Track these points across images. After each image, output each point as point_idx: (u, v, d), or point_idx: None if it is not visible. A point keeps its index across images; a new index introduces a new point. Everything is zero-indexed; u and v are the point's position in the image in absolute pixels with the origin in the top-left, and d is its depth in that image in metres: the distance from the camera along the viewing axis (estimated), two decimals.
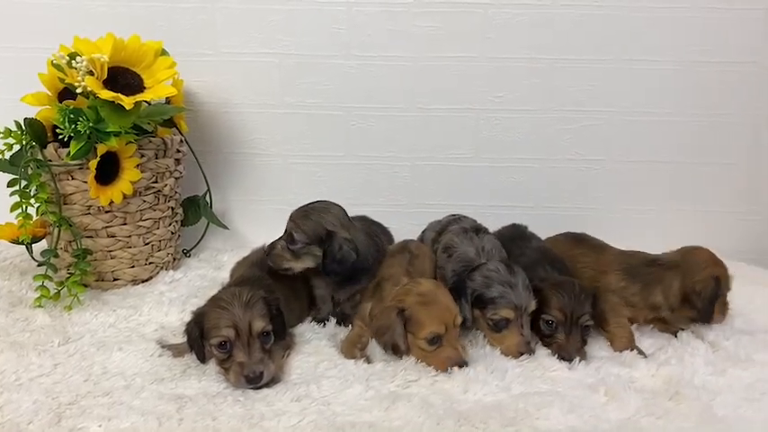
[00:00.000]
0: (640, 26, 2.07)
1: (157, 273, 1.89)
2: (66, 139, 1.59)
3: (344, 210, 1.66)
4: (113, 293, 1.74)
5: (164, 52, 1.75)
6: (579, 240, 1.82)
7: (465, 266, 1.59)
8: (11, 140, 1.66)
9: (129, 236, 1.79)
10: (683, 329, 1.55)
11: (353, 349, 1.43)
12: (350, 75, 2.14)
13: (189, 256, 2.08)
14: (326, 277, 1.63)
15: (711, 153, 2.19)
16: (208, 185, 2.07)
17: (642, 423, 1.19)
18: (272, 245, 1.62)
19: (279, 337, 1.38)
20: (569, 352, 1.42)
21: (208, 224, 2.10)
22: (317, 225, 1.58)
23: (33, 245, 1.76)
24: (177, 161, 1.91)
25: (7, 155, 1.69)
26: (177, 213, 1.98)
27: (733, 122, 2.16)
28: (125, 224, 1.77)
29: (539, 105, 2.15)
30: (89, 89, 1.53)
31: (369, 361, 1.40)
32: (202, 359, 1.36)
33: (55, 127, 1.62)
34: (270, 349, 1.33)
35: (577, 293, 1.47)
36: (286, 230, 1.62)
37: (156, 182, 1.82)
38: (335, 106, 2.17)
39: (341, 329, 1.58)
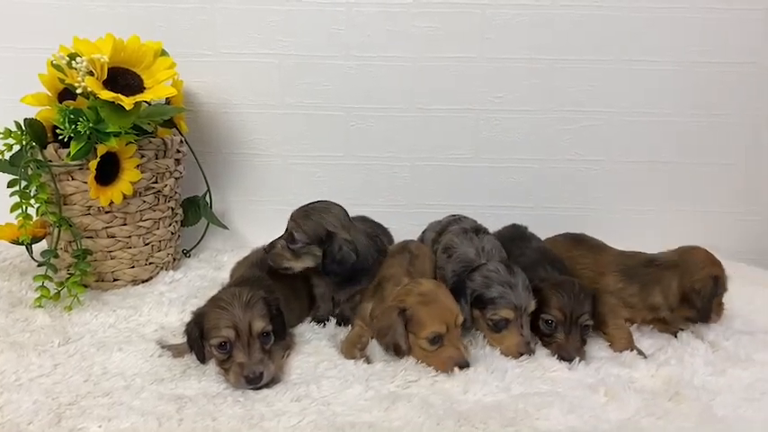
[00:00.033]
0: (640, 26, 2.07)
1: (157, 273, 1.89)
2: (66, 140, 1.59)
3: (345, 210, 1.66)
4: (113, 294, 1.74)
5: (163, 53, 1.75)
6: (578, 241, 1.82)
7: (465, 267, 1.59)
8: (11, 141, 1.66)
9: (129, 236, 1.79)
10: (682, 330, 1.56)
11: (353, 349, 1.43)
12: (349, 75, 2.14)
13: (189, 257, 2.08)
14: (326, 277, 1.63)
15: (711, 153, 2.19)
16: (208, 186, 2.07)
17: (642, 423, 1.19)
18: (273, 244, 1.63)
19: (279, 338, 1.38)
20: (569, 351, 1.42)
21: (208, 224, 2.10)
22: (317, 225, 1.58)
23: (33, 245, 1.76)
24: (177, 161, 1.92)
25: (7, 155, 1.69)
26: (177, 214, 1.98)
27: (732, 123, 2.16)
28: (125, 224, 1.77)
29: (538, 106, 2.15)
30: (89, 90, 1.53)
31: (369, 361, 1.40)
32: (202, 359, 1.36)
33: (55, 127, 1.62)
34: (270, 349, 1.33)
35: (577, 293, 1.47)
36: (287, 229, 1.62)
37: (155, 182, 1.82)
38: (335, 106, 2.17)
39: (341, 330, 1.58)
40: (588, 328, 1.48)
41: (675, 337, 1.53)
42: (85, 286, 1.66)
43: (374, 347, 1.46)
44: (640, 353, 1.46)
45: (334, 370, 1.35)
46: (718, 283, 1.53)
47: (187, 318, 1.42)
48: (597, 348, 1.49)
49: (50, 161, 1.64)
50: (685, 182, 2.22)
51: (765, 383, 1.32)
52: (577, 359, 1.40)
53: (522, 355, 1.41)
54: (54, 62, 1.61)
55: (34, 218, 1.69)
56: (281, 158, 2.23)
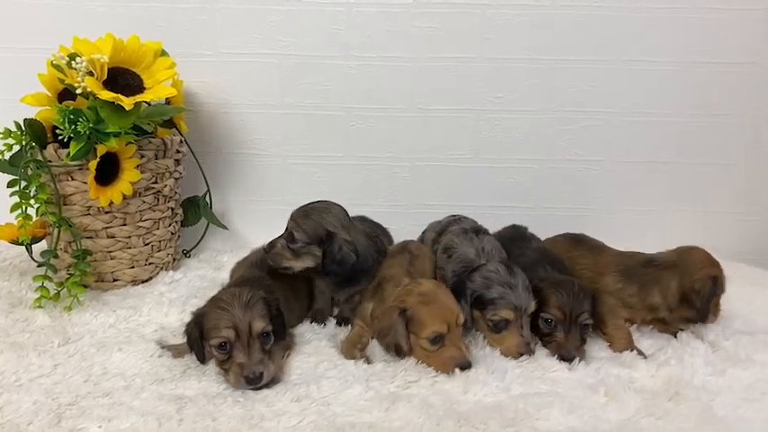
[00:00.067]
0: (640, 27, 2.07)
1: (157, 273, 1.88)
2: (65, 140, 1.59)
3: (345, 210, 1.66)
4: (113, 294, 1.74)
5: (163, 53, 1.75)
6: (578, 241, 1.82)
7: (465, 267, 1.59)
8: (11, 141, 1.66)
9: (129, 236, 1.79)
10: (682, 330, 1.56)
11: (353, 350, 1.43)
12: (349, 75, 2.14)
13: (189, 257, 2.08)
14: (326, 278, 1.63)
15: (711, 153, 2.19)
16: (207, 186, 2.07)
17: (642, 423, 1.19)
18: (273, 243, 1.63)
19: (279, 338, 1.38)
20: (568, 350, 1.42)
21: (207, 225, 2.10)
22: (317, 225, 1.58)
23: (33, 245, 1.76)
24: (177, 162, 1.91)
25: (7, 155, 1.68)
26: (177, 214, 1.98)
27: (732, 123, 2.16)
28: (125, 225, 1.77)
29: (538, 106, 2.15)
30: (89, 90, 1.53)
31: (369, 361, 1.40)
32: (202, 360, 1.36)
33: (55, 128, 1.62)
34: (270, 350, 1.33)
35: (576, 292, 1.47)
36: (287, 229, 1.62)
37: (155, 182, 1.82)
38: (335, 107, 2.17)
39: (341, 330, 1.58)
40: (588, 327, 1.48)
41: (675, 337, 1.53)
42: (85, 286, 1.66)
43: (374, 348, 1.46)
44: (640, 353, 1.46)
45: (335, 370, 1.35)
46: (716, 283, 1.54)
47: (187, 318, 1.42)
48: (597, 348, 1.49)
49: (50, 161, 1.64)
50: (685, 182, 2.22)
51: (765, 383, 1.32)
52: (577, 359, 1.40)
53: (522, 355, 1.41)
54: (54, 62, 1.61)
55: (34, 218, 1.69)
56: (281, 158, 2.23)
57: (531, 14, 2.07)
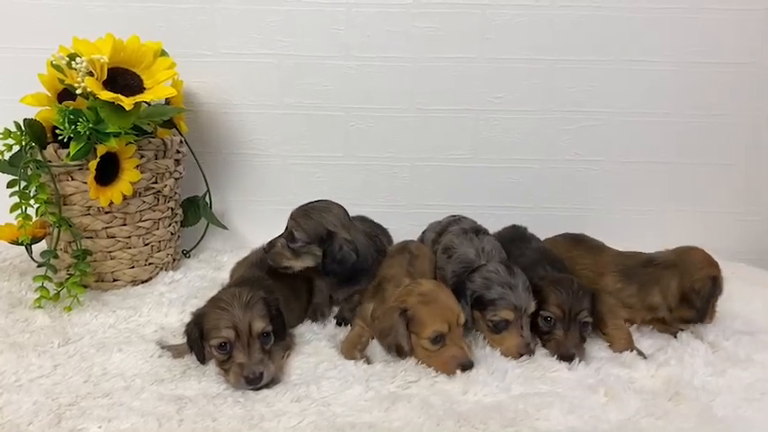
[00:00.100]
0: (639, 27, 2.07)
1: (157, 273, 1.88)
2: (65, 140, 1.59)
3: (345, 209, 1.66)
4: (113, 294, 1.74)
5: (163, 53, 1.75)
6: (577, 242, 1.82)
7: (465, 268, 1.59)
8: (10, 141, 1.66)
9: (129, 236, 1.78)
10: (682, 330, 1.56)
11: (353, 350, 1.43)
12: (349, 75, 2.14)
13: (188, 257, 2.08)
14: (326, 277, 1.63)
15: (710, 154, 2.19)
16: (207, 186, 2.07)
17: (642, 424, 1.19)
18: (272, 242, 1.63)
19: (279, 338, 1.38)
20: (567, 348, 1.42)
21: (207, 225, 2.10)
22: (317, 225, 1.58)
23: (33, 246, 1.76)
24: (177, 162, 1.91)
25: (7, 156, 1.68)
26: (177, 214, 1.98)
27: (732, 123, 2.16)
28: (125, 225, 1.77)
29: (538, 106, 2.15)
30: (89, 90, 1.53)
31: (369, 362, 1.40)
32: (202, 360, 1.36)
33: (54, 128, 1.62)
34: (270, 350, 1.33)
35: (576, 290, 1.47)
36: (287, 228, 1.62)
37: (155, 182, 1.82)
38: (335, 107, 2.17)
39: (341, 330, 1.57)
40: (587, 325, 1.47)
41: (675, 337, 1.53)
42: (85, 287, 1.66)
43: (374, 348, 1.46)
44: (640, 353, 1.46)
45: (335, 370, 1.35)
46: (716, 283, 1.54)
47: (187, 318, 1.42)
48: (597, 348, 1.49)
49: (50, 161, 1.64)
50: (685, 182, 2.22)
51: (765, 383, 1.32)
52: (577, 360, 1.40)
53: (522, 355, 1.41)
54: (54, 62, 1.61)
55: (34, 218, 1.69)
56: (280, 159, 2.23)
57: (530, 14, 2.07)
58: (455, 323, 1.36)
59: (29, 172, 1.63)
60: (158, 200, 1.84)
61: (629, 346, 1.48)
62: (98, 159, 1.60)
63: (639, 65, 2.11)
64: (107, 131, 1.57)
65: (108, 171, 1.65)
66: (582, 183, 2.23)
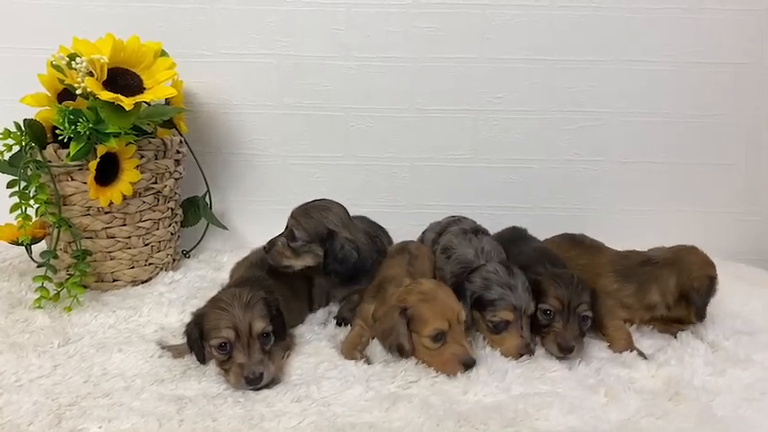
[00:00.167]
0: (639, 27, 2.07)
1: (157, 274, 1.88)
2: (65, 140, 1.59)
3: (345, 209, 1.67)
4: (113, 294, 1.74)
5: (163, 53, 1.75)
6: (575, 242, 1.82)
7: (464, 268, 1.59)
8: (10, 141, 1.66)
9: (129, 237, 1.78)
10: (682, 330, 1.56)
11: (353, 350, 1.43)
12: (349, 75, 2.14)
13: (188, 257, 2.08)
14: (327, 277, 1.63)
15: (710, 154, 2.19)
16: (207, 186, 2.07)
17: (642, 424, 1.19)
18: (273, 242, 1.63)
19: (279, 338, 1.38)
20: (566, 339, 1.42)
21: (207, 225, 2.10)
22: (318, 224, 1.58)
23: (33, 246, 1.76)
24: (177, 162, 1.91)
25: (7, 156, 1.68)
26: (177, 214, 1.98)
27: (732, 123, 2.16)
28: (125, 225, 1.77)
29: (538, 106, 2.15)
30: (89, 90, 1.53)
31: (369, 362, 1.40)
32: (202, 360, 1.36)
33: (54, 128, 1.62)
34: (270, 350, 1.33)
35: (575, 284, 1.47)
36: (287, 227, 1.62)
37: (155, 183, 1.82)
38: (334, 107, 2.17)
39: (341, 330, 1.57)
40: (587, 319, 1.47)
41: (675, 337, 1.53)
42: (85, 287, 1.66)
43: (374, 348, 1.46)
44: (640, 353, 1.46)
45: (335, 371, 1.34)
46: (713, 283, 1.54)
47: (187, 318, 1.42)
48: (597, 348, 1.49)
49: (50, 162, 1.64)
50: (685, 182, 2.22)
51: (765, 383, 1.32)
52: (577, 360, 1.40)
53: (522, 356, 1.41)
54: (54, 62, 1.61)
55: (34, 218, 1.69)
56: (280, 159, 2.22)
57: (530, 14, 2.07)
58: (456, 321, 1.36)
59: (29, 172, 1.63)
60: (158, 200, 1.84)
61: (629, 346, 1.48)
62: (98, 159, 1.60)
63: (639, 65, 2.11)
64: (107, 132, 1.57)
65: (108, 171, 1.65)
66: (582, 183, 2.23)
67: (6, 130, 1.66)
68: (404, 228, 2.02)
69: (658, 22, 2.07)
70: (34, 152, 1.65)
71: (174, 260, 1.98)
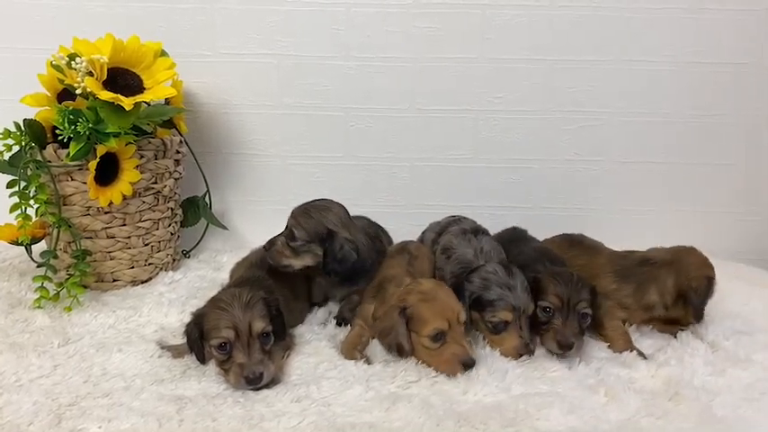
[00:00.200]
0: (639, 27, 2.07)
1: (157, 274, 1.88)
2: (65, 140, 1.59)
3: (345, 208, 1.67)
4: (113, 294, 1.74)
5: (163, 53, 1.75)
6: (573, 242, 1.82)
7: (463, 268, 1.59)
8: (10, 141, 1.66)
9: (129, 237, 1.78)
10: (682, 330, 1.56)
11: (353, 350, 1.43)
12: (349, 75, 2.14)
13: (188, 257, 2.07)
14: (326, 276, 1.63)
15: (710, 154, 2.19)
16: (207, 186, 2.07)
17: (642, 423, 1.19)
18: (272, 241, 1.63)
19: (279, 338, 1.38)
20: (566, 336, 1.41)
21: (207, 225, 2.10)
22: (317, 224, 1.58)
23: (33, 246, 1.76)
24: (176, 162, 1.91)
25: (6, 156, 1.68)
26: (177, 214, 1.98)
27: (732, 123, 2.16)
28: (124, 225, 1.77)
29: (538, 106, 2.15)
30: (88, 90, 1.53)
31: (369, 362, 1.40)
32: (202, 360, 1.36)
33: (54, 128, 1.62)
34: (270, 350, 1.33)
35: (575, 281, 1.47)
36: (287, 227, 1.62)
37: (155, 183, 1.82)
38: (334, 107, 2.17)
39: (341, 330, 1.57)
40: (587, 316, 1.47)
41: (675, 337, 1.53)
42: (85, 287, 1.66)
43: (374, 348, 1.46)
44: (640, 353, 1.45)
45: (335, 371, 1.35)
46: (711, 284, 1.54)
47: (187, 318, 1.42)
48: (597, 349, 1.49)
49: (50, 162, 1.64)
50: (685, 182, 2.22)
51: (765, 383, 1.32)
52: (578, 360, 1.40)
53: (521, 356, 1.41)
54: (53, 62, 1.61)
55: (33, 218, 1.69)
56: (280, 159, 2.22)
57: (530, 14, 2.07)
58: (455, 321, 1.36)
59: (28, 172, 1.63)
60: (158, 200, 1.84)
61: (629, 346, 1.48)
62: (98, 159, 1.59)
63: (639, 65, 2.11)
64: (107, 131, 1.57)
65: (108, 171, 1.65)
66: (581, 183, 2.23)
67: (6, 130, 1.66)
68: (404, 228, 2.02)
69: (658, 22, 2.07)
70: (34, 152, 1.65)
71: (173, 260, 1.98)
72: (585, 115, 2.16)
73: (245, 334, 1.29)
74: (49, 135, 1.69)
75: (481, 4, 2.06)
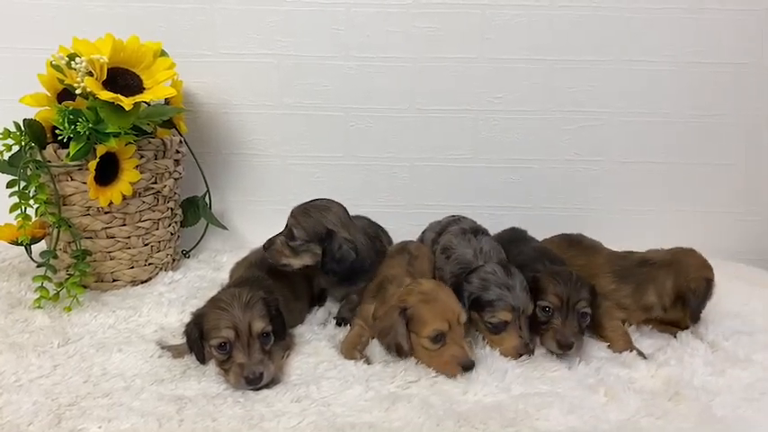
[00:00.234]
0: (639, 27, 2.07)
1: (157, 274, 1.88)
2: (65, 140, 1.59)
3: (345, 208, 1.66)
4: (113, 294, 1.74)
5: (163, 53, 1.75)
6: (572, 242, 1.82)
7: (462, 268, 1.59)
8: (10, 141, 1.66)
9: (129, 237, 1.78)
10: (682, 330, 1.56)
11: (353, 350, 1.43)
12: (349, 75, 2.14)
13: (188, 257, 2.07)
14: (325, 276, 1.63)
15: (710, 154, 2.19)
16: (207, 186, 2.07)
17: (642, 423, 1.19)
18: (272, 240, 1.63)
19: (279, 338, 1.38)
20: (566, 336, 1.41)
21: (207, 225, 2.10)
22: (317, 223, 1.58)
23: (32, 246, 1.76)
24: (176, 162, 1.91)
25: (6, 156, 1.68)
26: (176, 214, 1.98)
27: (732, 123, 2.16)
28: (124, 225, 1.77)
29: (538, 106, 2.15)
30: (88, 90, 1.53)
31: (369, 362, 1.40)
32: (202, 360, 1.36)
33: (54, 128, 1.62)
34: (270, 350, 1.33)
35: (574, 281, 1.47)
36: (286, 226, 1.62)
37: (155, 183, 1.82)
38: (334, 107, 2.17)
39: (340, 330, 1.57)
40: (586, 315, 1.47)
41: (675, 337, 1.53)
42: (85, 287, 1.66)
43: (374, 348, 1.46)
44: (640, 353, 1.45)
45: (334, 371, 1.34)
46: (710, 286, 1.53)
47: (187, 318, 1.42)
48: (597, 348, 1.49)
49: (50, 162, 1.64)
50: (685, 182, 2.22)
51: (765, 383, 1.32)
52: (577, 360, 1.40)
53: (521, 356, 1.41)
54: (53, 62, 1.61)
55: (33, 218, 1.69)
56: (280, 159, 2.22)
57: (530, 14, 2.07)
58: (455, 322, 1.36)
59: (28, 172, 1.63)
60: (158, 200, 1.84)
61: (629, 346, 1.48)
62: (98, 159, 1.60)
63: (639, 65, 2.11)
64: (107, 131, 1.57)
65: (107, 171, 1.65)
66: (581, 183, 2.23)
67: (6, 130, 1.66)
68: (404, 228, 2.02)
69: (658, 22, 2.07)
70: (34, 152, 1.65)
71: (173, 260, 1.98)
72: (585, 115, 2.16)
73: (244, 334, 1.29)
74: (48, 135, 1.69)
75: (481, 4, 2.06)
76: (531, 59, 2.11)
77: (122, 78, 1.63)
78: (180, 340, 1.43)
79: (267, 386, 1.28)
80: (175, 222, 1.97)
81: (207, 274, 1.92)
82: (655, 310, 1.57)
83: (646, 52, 2.10)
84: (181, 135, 1.95)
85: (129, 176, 1.69)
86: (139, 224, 1.80)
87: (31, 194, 1.64)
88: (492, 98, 2.15)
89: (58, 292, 1.63)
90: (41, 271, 1.62)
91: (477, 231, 1.75)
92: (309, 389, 1.26)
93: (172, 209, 1.93)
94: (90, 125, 1.56)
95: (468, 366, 1.32)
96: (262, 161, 2.23)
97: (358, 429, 1.13)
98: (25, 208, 1.63)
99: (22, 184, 1.62)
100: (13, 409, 1.18)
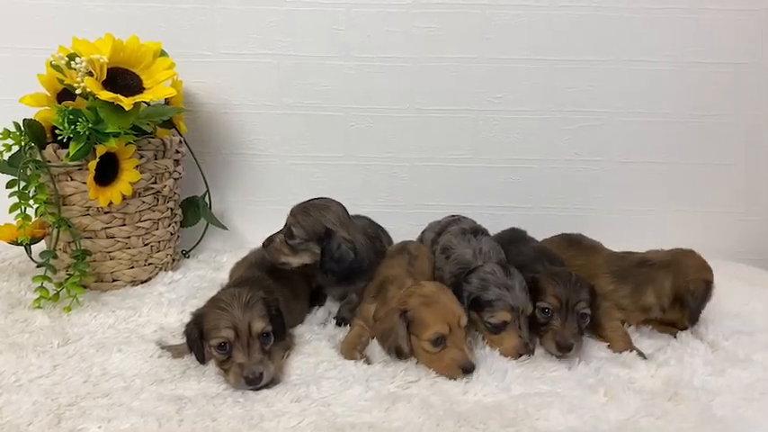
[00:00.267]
0: (639, 27, 2.07)
1: (156, 274, 1.88)
2: (65, 140, 1.59)
3: (345, 208, 1.66)
4: (112, 294, 1.74)
5: (163, 53, 1.75)
6: (572, 242, 1.82)
7: (462, 269, 1.59)
8: (10, 141, 1.66)
9: (129, 237, 1.78)
10: (680, 330, 1.56)
11: (353, 350, 1.43)
12: (349, 75, 2.14)
13: (188, 257, 2.07)
14: (323, 275, 1.64)
15: (710, 153, 2.19)
16: (207, 186, 2.07)
17: (641, 423, 1.19)
18: (271, 238, 1.63)
19: (278, 338, 1.38)
20: (565, 337, 1.41)
21: (207, 225, 2.09)
22: (316, 222, 1.58)
23: (32, 246, 1.75)
24: (176, 162, 1.91)
25: (6, 156, 1.68)
26: (176, 214, 1.98)
27: (732, 123, 2.16)
28: (124, 225, 1.77)
29: (538, 106, 2.15)
30: (88, 90, 1.53)
31: (368, 362, 1.40)
32: (202, 360, 1.36)
33: (54, 128, 1.62)
34: (269, 350, 1.33)
35: (573, 282, 1.47)
36: (286, 225, 1.62)
37: (155, 183, 1.82)
38: (334, 107, 2.17)
39: (340, 330, 1.57)
40: (586, 316, 1.47)
41: (675, 337, 1.53)
42: (84, 287, 1.66)
43: (374, 348, 1.46)
44: (640, 353, 1.45)
45: (334, 371, 1.35)
46: (709, 288, 1.53)
47: (186, 318, 1.42)
48: (597, 348, 1.49)
49: (49, 162, 1.64)
50: (685, 182, 2.22)
51: (765, 383, 1.32)
52: (577, 360, 1.40)
53: (521, 356, 1.41)
54: (53, 62, 1.61)
55: (33, 218, 1.68)
56: (280, 159, 2.22)
57: (530, 14, 2.07)
58: (456, 325, 1.35)
59: (28, 172, 1.63)
60: (158, 200, 1.84)
61: (628, 346, 1.48)
62: (97, 159, 1.59)
63: (639, 65, 2.11)
64: (106, 131, 1.57)
65: (107, 171, 1.65)
66: (581, 183, 2.23)
67: (6, 130, 1.66)
68: (404, 228, 2.02)
69: (658, 22, 2.07)
70: (34, 152, 1.65)
71: (173, 260, 1.97)
72: (585, 115, 2.16)
73: (244, 334, 1.29)
74: (48, 135, 1.69)
75: (481, 4, 2.06)
76: (531, 59, 2.11)
77: (122, 78, 1.63)
78: (180, 340, 1.43)
79: (267, 386, 1.28)
80: (175, 222, 1.97)
81: (207, 274, 1.92)
82: (653, 310, 1.57)
83: (646, 52, 2.10)
84: (181, 135, 1.95)
85: (128, 176, 1.69)
86: (139, 224, 1.80)
87: (30, 194, 1.64)
88: (492, 98, 2.15)
89: (58, 292, 1.63)
90: (41, 271, 1.62)
91: (477, 231, 1.75)
92: (309, 389, 1.26)
93: (172, 209, 1.93)
94: (90, 125, 1.56)
95: (468, 369, 1.32)
96: (262, 161, 2.23)
97: (358, 429, 1.13)
98: (25, 208, 1.63)
99: (22, 184, 1.62)
100: (12, 409, 1.18)
